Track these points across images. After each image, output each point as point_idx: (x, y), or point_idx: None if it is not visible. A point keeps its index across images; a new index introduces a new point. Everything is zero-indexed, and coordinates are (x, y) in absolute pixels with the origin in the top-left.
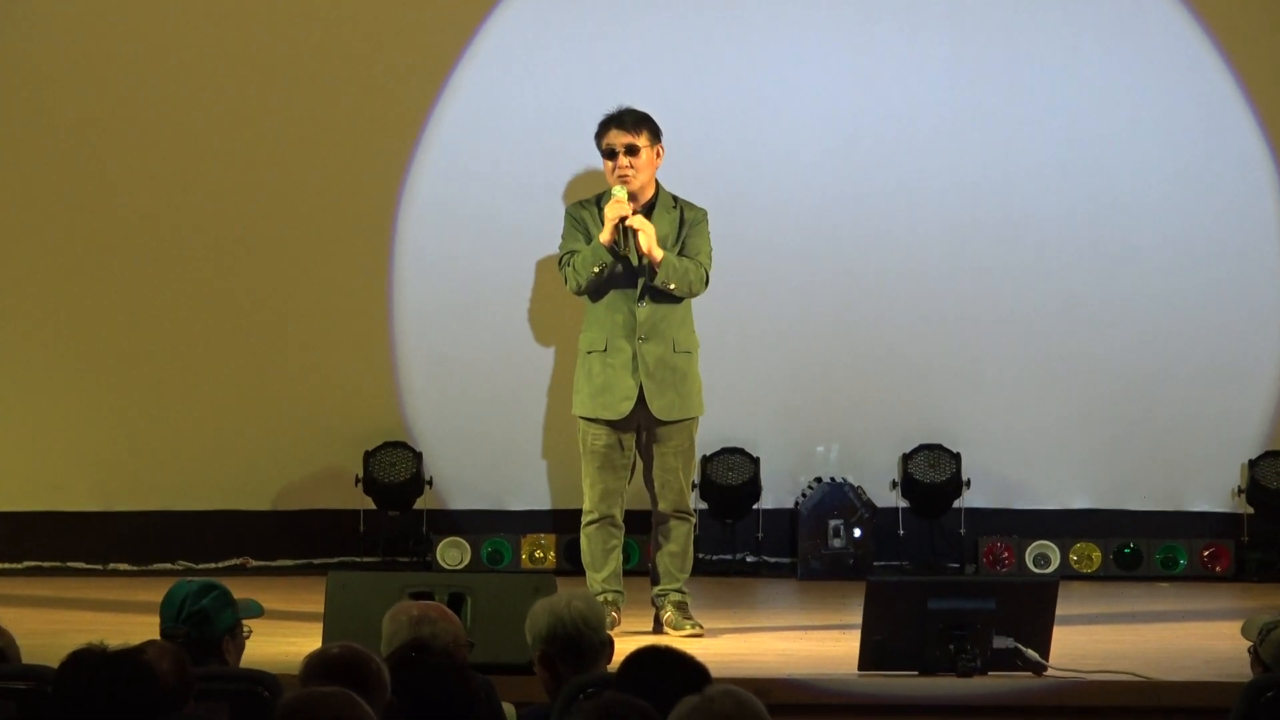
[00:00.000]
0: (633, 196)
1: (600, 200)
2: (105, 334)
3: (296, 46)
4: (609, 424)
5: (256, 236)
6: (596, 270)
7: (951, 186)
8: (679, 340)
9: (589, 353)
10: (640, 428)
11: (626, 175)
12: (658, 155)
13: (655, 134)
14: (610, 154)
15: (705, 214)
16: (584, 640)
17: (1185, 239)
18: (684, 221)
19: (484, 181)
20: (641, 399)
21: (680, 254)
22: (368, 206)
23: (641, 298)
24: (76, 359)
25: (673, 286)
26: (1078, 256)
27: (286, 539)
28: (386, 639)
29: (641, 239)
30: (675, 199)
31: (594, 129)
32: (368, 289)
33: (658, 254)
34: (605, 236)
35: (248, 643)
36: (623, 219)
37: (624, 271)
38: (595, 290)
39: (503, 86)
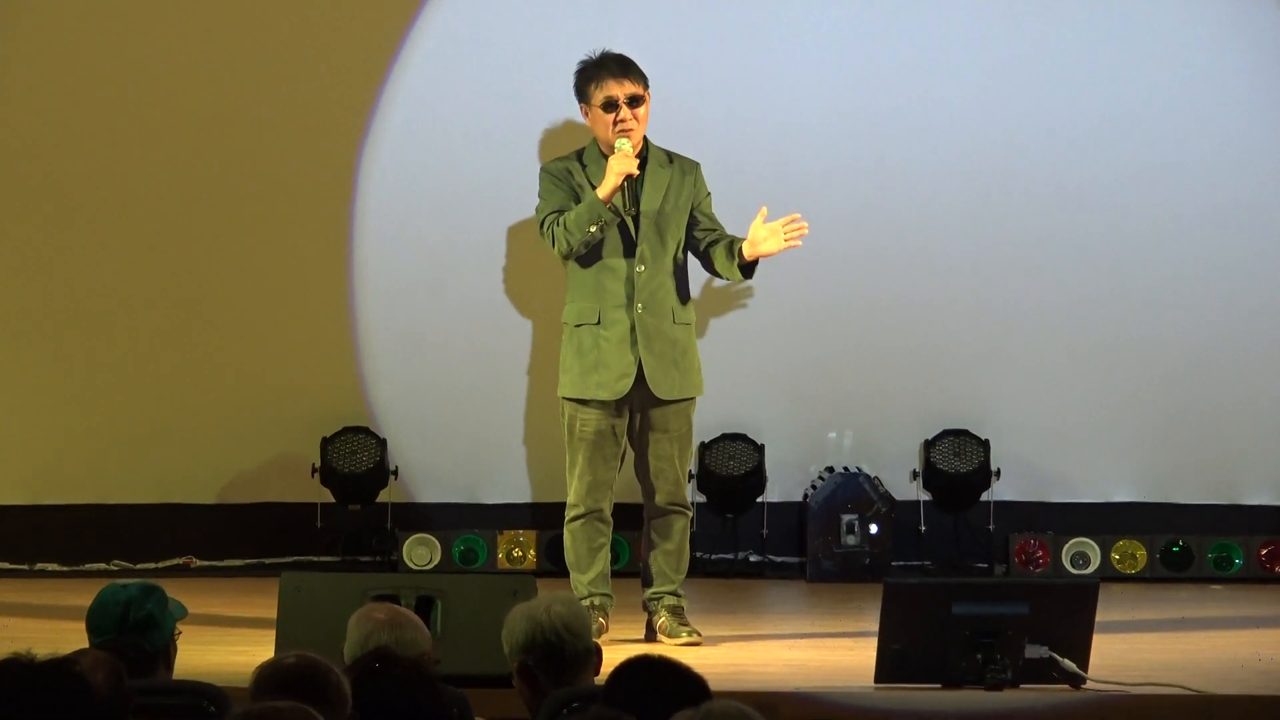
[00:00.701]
0: None
1: (582, 155)
2: (30, 310)
3: (243, 2)
4: (601, 406)
5: (198, 201)
6: (594, 229)
7: (978, 147)
8: (677, 310)
9: (578, 326)
10: (633, 410)
11: (630, 129)
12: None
13: (647, 81)
14: (611, 106)
15: (700, 168)
16: (566, 649)
17: (1239, 206)
18: (685, 178)
19: (451, 139)
20: (639, 377)
21: (694, 217)
22: (323, 168)
23: (640, 263)
24: None
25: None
26: (1120, 225)
27: (235, 536)
28: (357, 642)
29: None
30: (669, 155)
31: (570, 76)
32: (325, 259)
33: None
34: (606, 192)
35: (189, 651)
36: (628, 176)
37: (618, 233)
38: (584, 255)
39: (472, 33)
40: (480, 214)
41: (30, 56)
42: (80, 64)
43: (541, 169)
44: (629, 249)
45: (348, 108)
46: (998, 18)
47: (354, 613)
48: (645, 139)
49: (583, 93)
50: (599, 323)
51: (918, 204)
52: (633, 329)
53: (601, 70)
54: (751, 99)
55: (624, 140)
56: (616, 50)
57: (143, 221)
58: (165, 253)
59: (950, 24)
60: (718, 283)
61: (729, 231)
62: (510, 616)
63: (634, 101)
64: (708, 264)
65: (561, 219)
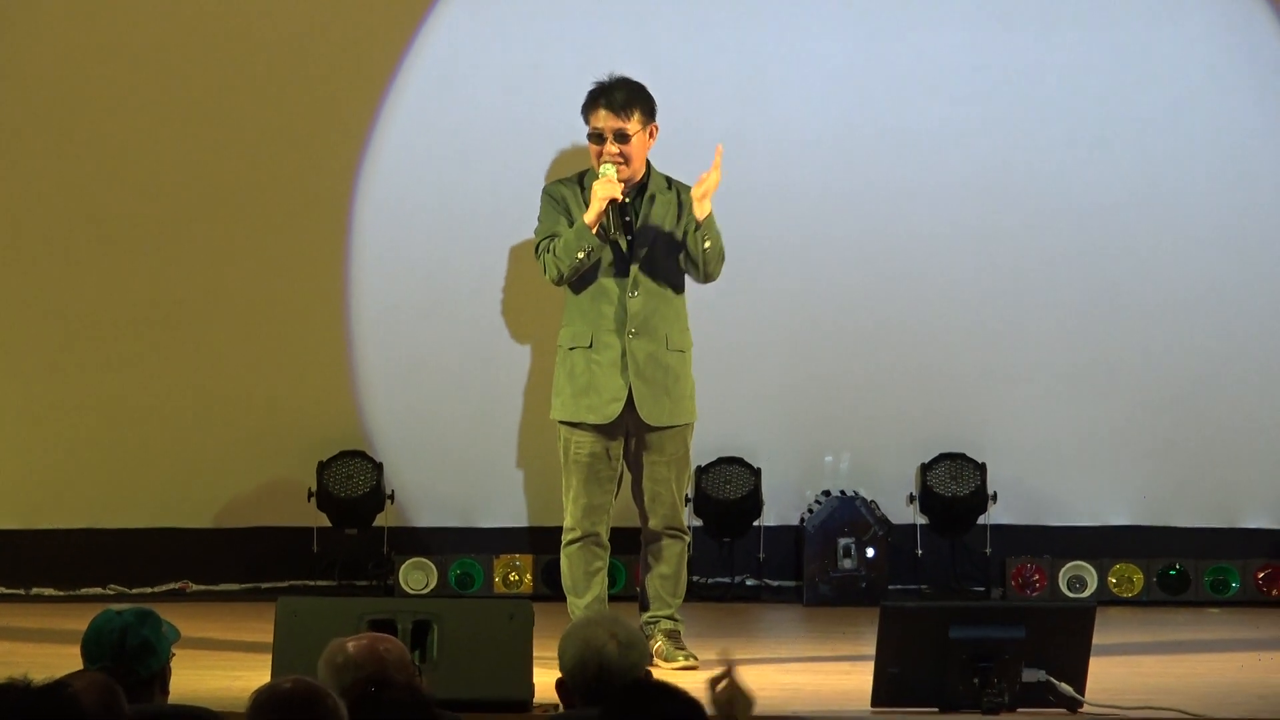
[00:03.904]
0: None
1: (583, 178)
2: (24, 333)
3: (240, 19)
4: (594, 429)
5: (194, 224)
6: (581, 256)
7: (974, 169)
8: (672, 337)
9: (571, 349)
10: (628, 434)
11: (614, 164)
12: (650, 136)
13: (649, 113)
14: (597, 138)
15: None
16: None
17: (1235, 228)
18: (682, 205)
19: (448, 161)
20: (630, 402)
21: (686, 242)
22: (319, 190)
23: (634, 288)
24: None
25: (707, 246)
26: (1117, 247)
27: (231, 560)
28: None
29: (699, 207)
30: (669, 180)
31: (571, 96)
32: (321, 279)
33: (706, 209)
34: (591, 217)
35: (186, 676)
36: (612, 201)
37: (613, 258)
38: (578, 279)
39: (470, 52)
40: (477, 236)
41: (25, 61)
42: (70, 71)
43: (543, 190)
44: (623, 274)
45: (344, 130)
46: (993, 40)
47: (321, 657)
48: (648, 165)
49: (583, 116)
50: (591, 346)
51: (914, 228)
52: (624, 354)
53: (597, 100)
54: (748, 122)
55: (609, 165)
56: (613, 68)
57: (136, 242)
58: (159, 276)
59: (946, 47)
60: (714, 304)
61: (722, 247)
62: (571, 636)
63: (620, 137)
64: (687, 262)
65: (553, 245)
